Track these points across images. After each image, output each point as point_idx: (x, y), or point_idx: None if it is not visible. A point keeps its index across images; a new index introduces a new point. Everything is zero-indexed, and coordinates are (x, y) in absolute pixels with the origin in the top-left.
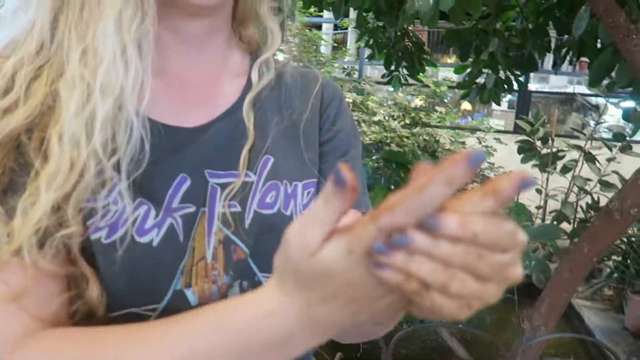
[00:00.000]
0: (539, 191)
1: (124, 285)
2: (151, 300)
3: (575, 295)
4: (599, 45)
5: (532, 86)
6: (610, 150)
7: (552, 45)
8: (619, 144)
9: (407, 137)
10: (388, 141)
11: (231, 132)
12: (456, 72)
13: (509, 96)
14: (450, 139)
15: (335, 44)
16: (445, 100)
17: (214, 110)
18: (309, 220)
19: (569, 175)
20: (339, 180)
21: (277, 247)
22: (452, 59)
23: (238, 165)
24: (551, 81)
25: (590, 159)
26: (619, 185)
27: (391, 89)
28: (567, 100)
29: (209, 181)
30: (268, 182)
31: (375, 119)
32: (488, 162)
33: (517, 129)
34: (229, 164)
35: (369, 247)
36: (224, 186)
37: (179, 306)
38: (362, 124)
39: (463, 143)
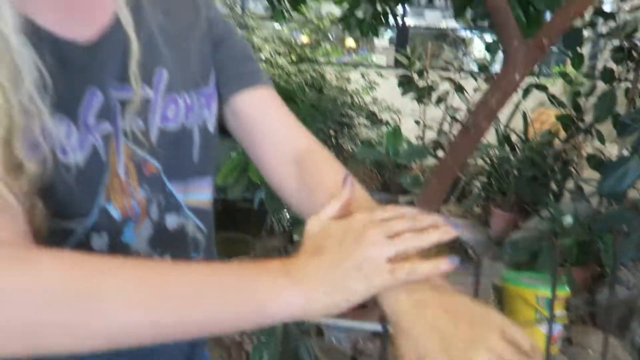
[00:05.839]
0: (417, 122)
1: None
2: (76, 214)
3: (449, 214)
4: None
5: (411, 22)
6: (476, 80)
7: None
8: (484, 75)
9: (295, 74)
10: (276, 79)
11: (122, 46)
12: (336, 3)
13: (390, 33)
14: (336, 75)
15: None
16: (330, 37)
17: (98, 16)
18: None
19: (443, 105)
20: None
21: (185, 158)
22: None
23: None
24: (427, 16)
25: (459, 89)
26: None
27: (276, 25)
28: (441, 35)
29: (114, 96)
30: (166, 96)
31: (262, 56)
32: (372, 97)
33: (397, 64)
34: (126, 79)
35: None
36: (123, 102)
37: (106, 221)
38: None
39: (348, 79)
